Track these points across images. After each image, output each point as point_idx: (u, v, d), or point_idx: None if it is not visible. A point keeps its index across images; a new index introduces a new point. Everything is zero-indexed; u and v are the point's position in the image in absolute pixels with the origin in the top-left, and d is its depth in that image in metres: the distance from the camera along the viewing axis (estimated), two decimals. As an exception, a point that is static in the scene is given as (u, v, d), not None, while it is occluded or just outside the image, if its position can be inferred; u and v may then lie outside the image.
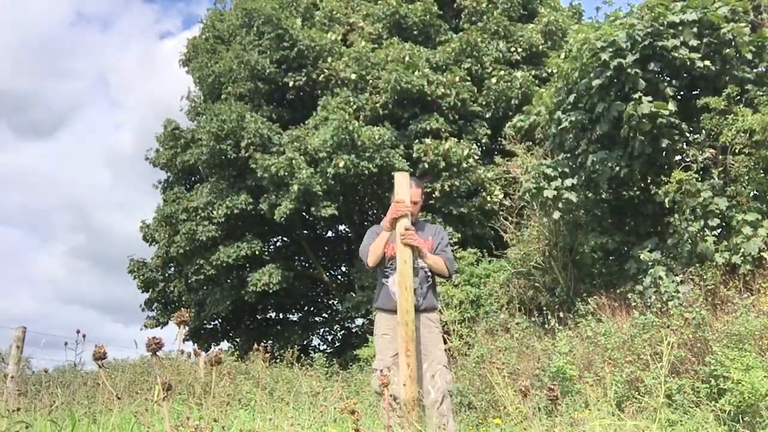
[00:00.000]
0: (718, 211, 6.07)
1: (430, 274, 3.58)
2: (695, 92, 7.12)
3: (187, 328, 12.70)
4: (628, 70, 6.62)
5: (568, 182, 7.30)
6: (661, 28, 6.65)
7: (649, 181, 7.08)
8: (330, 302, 17.07)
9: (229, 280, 14.09)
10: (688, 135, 6.93)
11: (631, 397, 4.28)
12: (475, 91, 12.80)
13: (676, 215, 6.41)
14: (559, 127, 7.53)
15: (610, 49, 6.75)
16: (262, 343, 6.89)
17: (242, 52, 13.65)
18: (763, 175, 6.26)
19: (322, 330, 17.37)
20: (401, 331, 3.26)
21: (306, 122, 12.82)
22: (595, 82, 6.90)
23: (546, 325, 7.14)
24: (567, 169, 7.43)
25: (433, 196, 11.59)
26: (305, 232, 15.61)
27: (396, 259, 3.40)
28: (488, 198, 12.05)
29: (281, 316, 16.92)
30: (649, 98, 6.47)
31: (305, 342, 15.99)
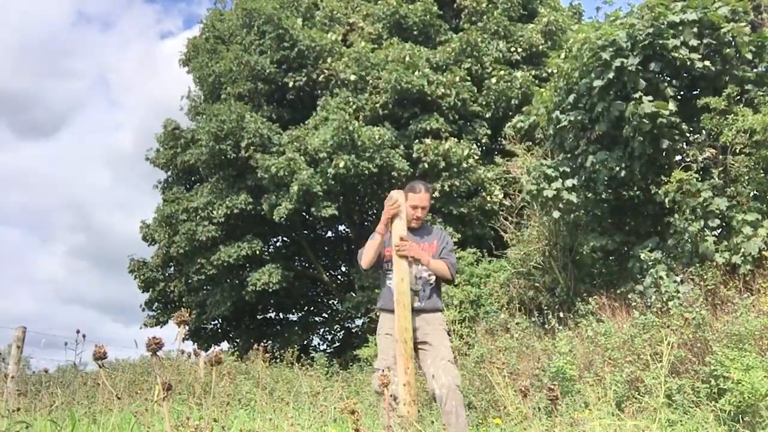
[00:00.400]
0: (718, 211, 6.07)
1: (432, 277, 3.57)
2: (695, 92, 7.12)
3: (187, 327, 12.70)
4: (629, 68, 6.62)
5: (569, 182, 7.30)
6: (662, 27, 6.65)
7: (649, 181, 7.07)
8: (330, 302, 17.07)
9: (228, 280, 14.09)
10: (688, 135, 6.93)
11: (631, 397, 4.27)
12: (475, 91, 12.80)
13: (677, 215, 6.40)
14: (558, 127, 7.53)
15: (611, 49, 6.75)
16: (262, 343, 6.90)
17: (242, 52, 13.65)
18: (763, 175, 6.26)
19: (322, 330, 17.39)
20: (399, 348, 3.19)
21: (306, 122, 12.82)
22: (596, 83, 6.90)
23: (546, 325, 7.14)
24: (567, 169, 7.43)
25: (433, 196, 11.59)
26: (305, 232, 15.61)
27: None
28: (488, 198, 12.06)
29: (281, 316, 16.91)
30: (650, 98, 6.47)
31: (305, 342, 15.99)
